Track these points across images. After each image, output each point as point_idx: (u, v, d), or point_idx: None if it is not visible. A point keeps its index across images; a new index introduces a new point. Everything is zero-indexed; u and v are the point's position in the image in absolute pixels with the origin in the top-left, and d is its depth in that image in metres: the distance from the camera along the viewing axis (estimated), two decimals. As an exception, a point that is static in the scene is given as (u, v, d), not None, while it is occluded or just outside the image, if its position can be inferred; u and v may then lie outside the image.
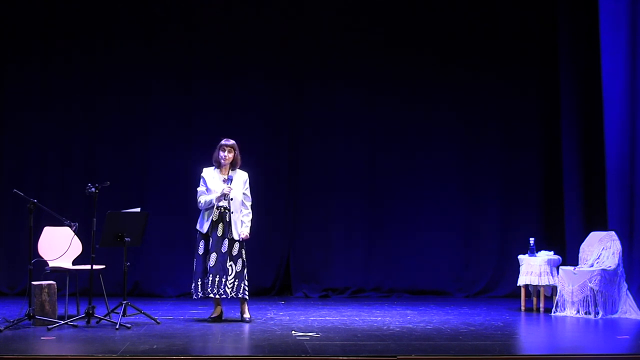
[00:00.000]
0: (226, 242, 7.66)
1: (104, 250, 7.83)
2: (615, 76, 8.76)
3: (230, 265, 7.66)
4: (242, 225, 7.74)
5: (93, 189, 7.42)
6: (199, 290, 7.66)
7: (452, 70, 10.60)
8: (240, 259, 7.72)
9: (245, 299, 7.77)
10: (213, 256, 7.63)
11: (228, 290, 7.62)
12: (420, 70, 10.62)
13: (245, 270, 7.74)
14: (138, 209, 7.77)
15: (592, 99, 9.65)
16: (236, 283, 7.66)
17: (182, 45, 10.45)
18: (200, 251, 7.72)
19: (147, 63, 10.40)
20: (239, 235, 7.68)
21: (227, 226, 7.68)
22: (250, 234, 7.77)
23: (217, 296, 7.65)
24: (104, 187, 7.48)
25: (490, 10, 10.62)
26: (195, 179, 8.03)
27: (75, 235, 7.80)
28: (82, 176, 9.99)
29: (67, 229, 7.72)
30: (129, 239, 7.50)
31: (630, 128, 8.63)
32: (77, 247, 8.17)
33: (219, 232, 7.66)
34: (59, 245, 7.99)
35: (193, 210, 8.76)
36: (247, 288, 7.74)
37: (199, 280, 7.67)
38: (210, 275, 7.60)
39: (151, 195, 10.25)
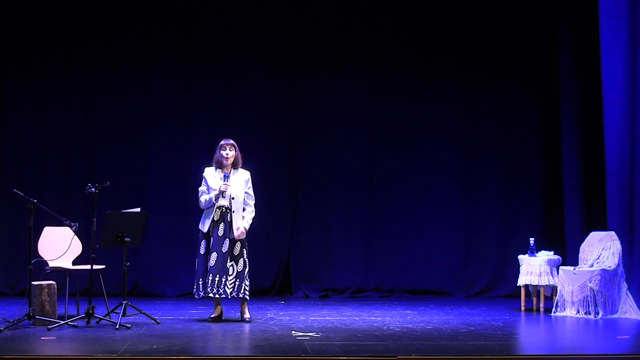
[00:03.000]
0: (227, 241, 7.65)
1: (104, 250, 7.83)
2: (615, 76, 8.76)
3: (231, 265, 7.65)
4: (242, 219, 7.72)
5: (93, 189, 7.42)
6: (201, 289, 7.65)
7: (452, 70, 10.60)
8: (242, 258, 7.70)
9: (246, 299, 7.76)
10: (214, 256, 7.62)
11: (228, 290, 7.61)
12: (420, 70, 10.62)
13: (247, 270, 7.73)
14: (138, 209, 7.77)
15: (592, 99, 9.65)
16: (237, 283, 7.65)
17: (182, 45, 10.45)
18: (202, 250, 7.71)
19: (147, 63, 10.41)
20: (237, 228, 7.62)
21: (228, 226, 7.67)
22: (247, 231, 7.70)
23: (217, 296, 7.64)
24: (104, 187, 7.48)
25: (491, 10, 10.61)
26: (195, 179, 8.03)
27: (75, 235, 7.80)
28: (82, 176, 10.00)
29: (67, 229, 7.71)
30: (129, 239, 7.49)
31: (630, 128, 8.63)
32: (77, 247, 8.16)
33: (220, 232, 7.65)
34: (59, 245, 7.98)
35: (193, 211, 8.78)
36: (247, 288, 7.72)
37: (200, 279, 7.66)
38: (211, 275, 7.58)
39: (151, 195, 10.25)
